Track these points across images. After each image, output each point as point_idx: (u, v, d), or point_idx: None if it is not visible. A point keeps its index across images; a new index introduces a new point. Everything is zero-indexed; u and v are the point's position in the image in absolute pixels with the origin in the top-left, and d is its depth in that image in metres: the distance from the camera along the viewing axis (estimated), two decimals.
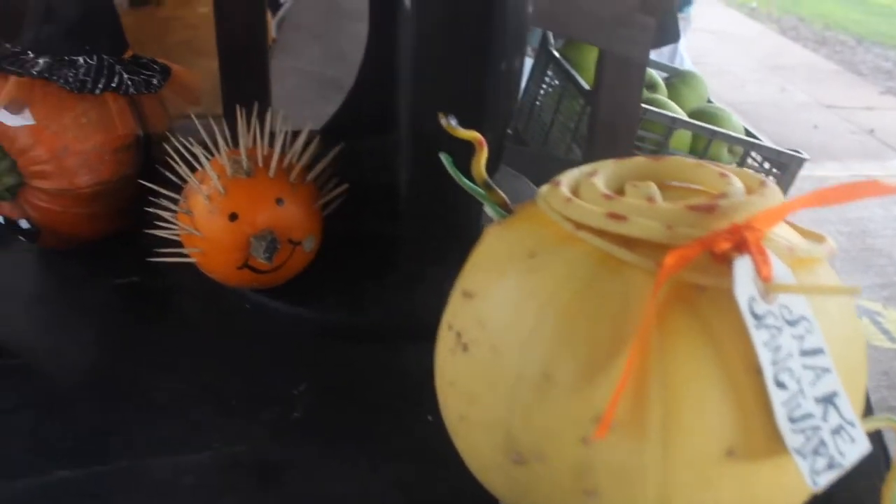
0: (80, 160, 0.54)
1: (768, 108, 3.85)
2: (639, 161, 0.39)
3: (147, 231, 0.51)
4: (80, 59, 0.55)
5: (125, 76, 0.56)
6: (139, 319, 0.54)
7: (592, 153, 0.93)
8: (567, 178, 0.37)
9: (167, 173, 0.53)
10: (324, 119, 0.61)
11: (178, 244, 0.51)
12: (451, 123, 0.39)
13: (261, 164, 0.50)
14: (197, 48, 1.60)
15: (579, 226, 0.33)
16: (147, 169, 0.58)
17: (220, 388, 0.48)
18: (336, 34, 1.20)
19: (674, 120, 1.01)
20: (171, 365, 0.50)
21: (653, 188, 0.35)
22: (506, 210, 0.39)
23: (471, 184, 0.39)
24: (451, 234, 0.53)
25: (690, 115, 1.09)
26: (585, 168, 0.39)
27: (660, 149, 1.02)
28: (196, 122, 0.52)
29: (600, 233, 0.32)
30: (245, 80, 0.76)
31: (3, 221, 0.57)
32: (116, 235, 0.61)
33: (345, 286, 0.54)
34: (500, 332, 0.33)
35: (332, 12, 1.25)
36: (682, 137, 1.07)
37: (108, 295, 0.56)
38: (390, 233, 0.55)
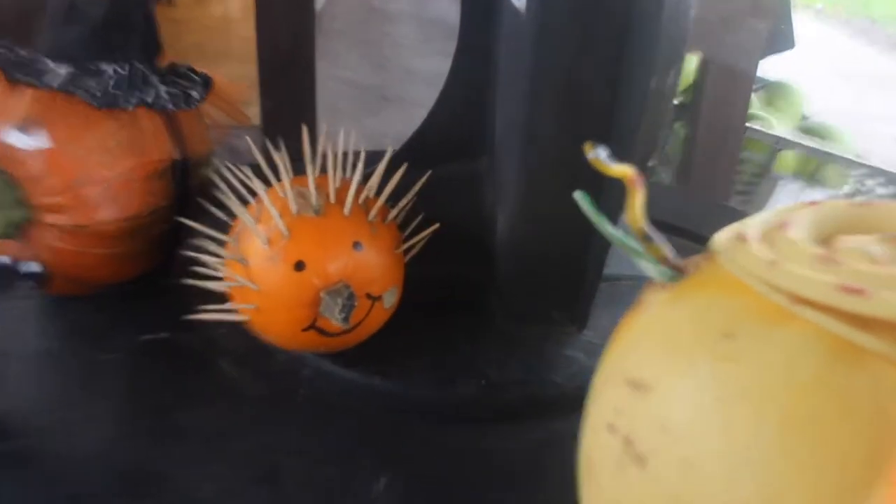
0: (103, 190, 0.50)
1: (842, 118, 3.78)
2: (841, 207, 0.33)
3: (184, 281, 0.46)
4: (109, 69, 0.50)
5: (162, 88, 0.51)
6: (172, 388, 0.49)
7: (688, 177, 0.87)
8: (753, 231, 0.32)
9: (209, 206, 0.48)
10: (367, 133, 0.56)
11: (224, 297, 0.46)
12: (599, 157, 0.33)
13: (332, 199, 0.45)
14: (210, 52, 1.58)
15: (797, 299, 0.28)
16: (184, 200, 0.54)
17: (277, 480, 0.43)
18: (377, 39, 1.17)
19: (778, 140, 0.96)
20: (213, 449, 0.45)
21: (883, 248, 0.29)
22: (669, 268, 0.33)
23: (619, 234, 0.33)
24: (562, 286, 0.48)
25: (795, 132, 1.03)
26: (770, 217, 0.34)
27: (763, 172, 0.97)
28: (252, 145, 0.47)
29: (825, 308, 0.27)
30: (287, 90, 0.72)
31: (8, 262, 0.53)
32: (143, 280, 0.56)
33: (430, 351, 0.50)
34: (696, 442, 0.27)
35: (372, 15, 1.21)
36: (786, 159, 1.02)
37: (133, 355, 0.52)
38: (484, 282, 0.50)
